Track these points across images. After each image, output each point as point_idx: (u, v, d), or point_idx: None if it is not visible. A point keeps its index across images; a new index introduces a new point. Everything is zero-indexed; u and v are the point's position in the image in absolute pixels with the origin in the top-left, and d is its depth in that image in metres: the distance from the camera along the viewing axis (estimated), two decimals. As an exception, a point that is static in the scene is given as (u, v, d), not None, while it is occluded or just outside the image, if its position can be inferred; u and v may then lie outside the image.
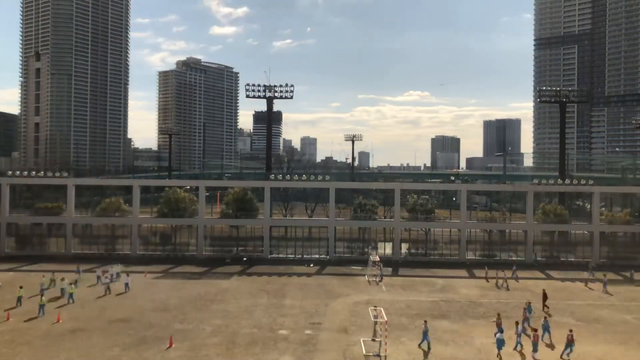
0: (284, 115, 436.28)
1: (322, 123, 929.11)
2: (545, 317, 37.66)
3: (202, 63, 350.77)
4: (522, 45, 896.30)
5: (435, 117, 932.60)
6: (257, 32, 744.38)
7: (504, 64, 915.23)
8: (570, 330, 32.80)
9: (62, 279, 46.33)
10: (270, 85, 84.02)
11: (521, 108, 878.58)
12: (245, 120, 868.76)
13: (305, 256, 64.70)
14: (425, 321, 34.77)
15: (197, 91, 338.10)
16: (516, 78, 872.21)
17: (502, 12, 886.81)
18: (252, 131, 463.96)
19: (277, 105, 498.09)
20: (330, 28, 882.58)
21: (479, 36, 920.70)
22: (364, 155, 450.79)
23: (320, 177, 68.56)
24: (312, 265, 60.74)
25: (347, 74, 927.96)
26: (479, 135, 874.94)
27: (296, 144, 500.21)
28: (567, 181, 68.87)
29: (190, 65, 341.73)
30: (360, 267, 57.93)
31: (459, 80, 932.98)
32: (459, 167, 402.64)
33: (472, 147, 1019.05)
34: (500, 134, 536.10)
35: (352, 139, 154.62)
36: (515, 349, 33.09)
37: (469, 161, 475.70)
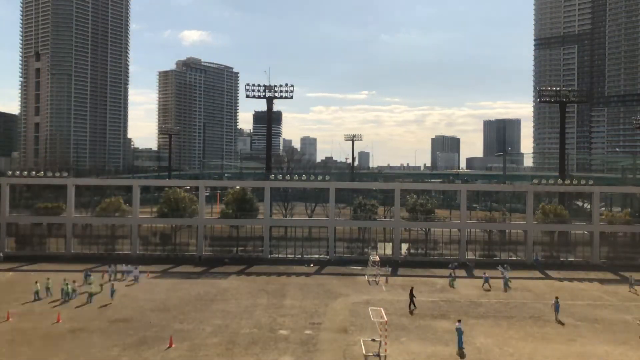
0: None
1: (288, 122, 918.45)
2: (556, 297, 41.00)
3: (202, 63, 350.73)
4: (431, 41, 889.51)
5: (395, 117, 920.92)
6: (164, 26, 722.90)
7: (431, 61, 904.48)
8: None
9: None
10: (270, 85, 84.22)
11: (481, 107, 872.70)
12: (245, 120, 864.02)
13: (305, 256, 64.66)
14: (459, 320, 34.95)
15: (197, 91, 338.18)
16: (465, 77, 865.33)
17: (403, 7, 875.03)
18: (252, 131, 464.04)
19: (277, 105, 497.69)
20: (235, 22, 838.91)
21: (392, 32, 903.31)
22: (364, 155, 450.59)
23: (320, 177, 68.54)
24: (312, 265, 60.71)
25: (280, 70, 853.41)
26: (452, 133, 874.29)
27: (296, 144, 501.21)
28: (567, 181, 68.86)
29: (190, 65, 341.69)
30: (360, 267, 57.91)
31: (405, 80, 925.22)
32: (459, 167, 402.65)
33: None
34: (500, 134, 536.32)
35: (352, 139, 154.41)
36: None
37: (469, 161, 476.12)
